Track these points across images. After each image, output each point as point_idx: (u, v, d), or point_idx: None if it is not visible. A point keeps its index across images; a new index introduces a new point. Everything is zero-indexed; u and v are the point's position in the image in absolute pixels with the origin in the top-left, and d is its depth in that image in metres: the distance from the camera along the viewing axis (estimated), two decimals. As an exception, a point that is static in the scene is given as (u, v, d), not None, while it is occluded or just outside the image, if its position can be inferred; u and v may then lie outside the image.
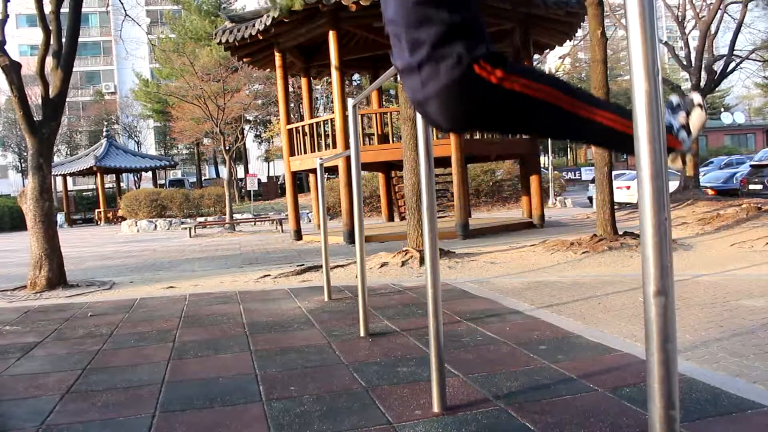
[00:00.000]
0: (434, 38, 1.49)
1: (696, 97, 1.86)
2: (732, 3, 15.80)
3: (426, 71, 1.53)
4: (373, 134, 14.69)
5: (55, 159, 30.25)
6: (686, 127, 1.81)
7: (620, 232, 7.72)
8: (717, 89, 27.49)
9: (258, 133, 40.88)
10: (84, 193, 35.04)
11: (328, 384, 2.80)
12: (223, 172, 38.07)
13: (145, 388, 2.87)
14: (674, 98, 1.93)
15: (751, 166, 15.95)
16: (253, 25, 10.96)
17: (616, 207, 8.29)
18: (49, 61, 6.98)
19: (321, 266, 5.50)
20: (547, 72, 1.70)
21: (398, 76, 1.66)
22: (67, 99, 7.50)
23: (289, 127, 12.44)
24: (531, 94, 1.53)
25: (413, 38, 1.52)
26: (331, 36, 10.61)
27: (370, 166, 13.94)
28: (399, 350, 3.34)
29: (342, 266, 6.91)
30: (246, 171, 37.47)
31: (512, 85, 1.52)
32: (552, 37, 13.04)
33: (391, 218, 15.36)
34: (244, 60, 13.32)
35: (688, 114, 1.82)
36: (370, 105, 18.76)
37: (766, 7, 16.13)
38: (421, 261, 6.71)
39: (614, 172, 8.97)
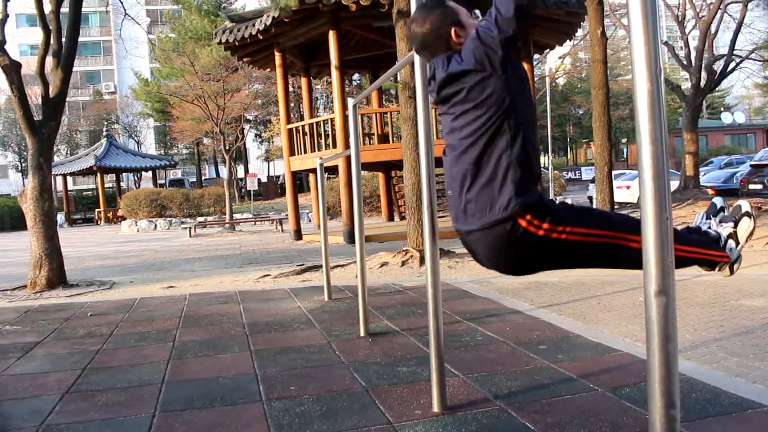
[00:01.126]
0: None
1: (744, 205, 1.80)
2: (732, 3, 15.80)
3: (471, 206, 1.61)
4: (373, 134, 14.69)
5: (55, 159, 30.22)
6: (734, 236, 1.77)
7: (620, 232, 7.71)
8: (717, 89, 27.51)
9: (258, 132, 40.87)
10: (84, 193, 35.06)
11: (328, 384, 2.79)
12: (223, 171, 38.06)
13: (145, 388, 2.87)
14: (718, 201, 1.88)
15: (751, 165, 15.96)
16: (253, 25, 10.95)
17: (616, 207, 8.29)
18: (49, 60, 6.98)
19: (321, 266, 5.50)
20: (591, 208, 1.70)
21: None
22: (67, 99, 7.50)
23: (289, 126, 12.44)
24: (578, 239, 1.55)
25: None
26: (331, 36, 10.60)
27: (370, 166, 13.94)
28: (399, 350, 3.34)
29: (342, 266, 6.90)
30: (246, 171, 37.45)
31: (559, 236, 1.54)
32: (552, 37, 13.03)
33: (391, 218, 15.36)
34: (244, 60, 13.32)
35: (735, 224, 1.78)
36: (370, 105, 18.76)
37: (767, 7, 16.12)
38: (421, 261, 6.71)
39: (614, 172, 8.97)
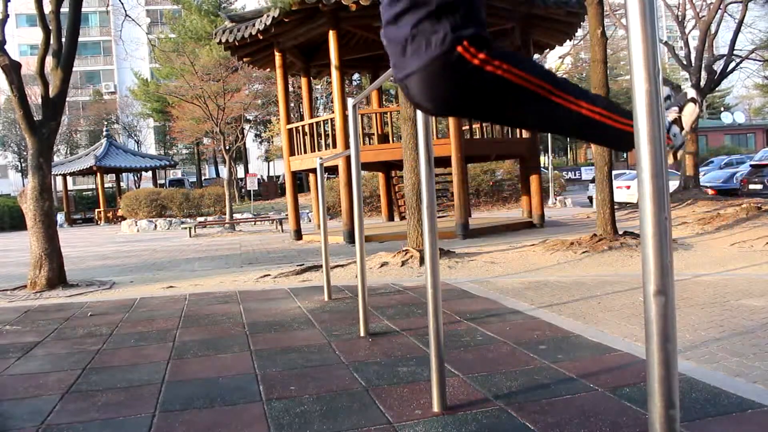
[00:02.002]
0: (423, 13, 1.46)
1: (690, 92, 1.82)
2: (732, 3, 15.79)
3: (410, 47, 1.50)
4: (373, 134, 14.69)
5: (55, 159, 30.23)
6: (678, 121, 1.79)
7: (620, 232, 7.72)
8: (717, 89, 27.50)
9: (258, 132, 40.87)
10: (84, 193, 35.06)
11: (328, 384, 2.80)
12: (223, 171, 38.06)
13: (145, 388, 2.87)
14: (665, 90, 1.89)
15: (751, 165, 15.96)
16: (253, 25, 10.96)
17: (616, 207, 8.29)
18: (49, 60, 6.98)
19: (321, 266, 5.50)
20: (535, 61, 1.65)
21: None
22: (67, 99, 7.50)
23: (289, 126, 12.44)
24: (512, 79, 1.49)
25: (402, 11, 1.49)
26: (331, 36, 10.61)
27: (370, 166, 13.94)
28: (399, 350, 3.34)
29: (342, 266, 6.90)
30: (246, 171, 37.47)
31: (494, 70, 1.49)
32: (552, 37, 13.04)
33: (391, 218, 15.36)
34: (244, 60, 13.32)
35: (681, 108, 1.80)
36: (370, 105, 18.76)
37: (764, 5, 16.11)
38: (421, 261, 6.71)
39: (614, 172, 8.97)
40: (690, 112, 1.78)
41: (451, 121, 10.42)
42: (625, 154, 43.38)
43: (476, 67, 1.48)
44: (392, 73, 1.64)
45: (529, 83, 1.51)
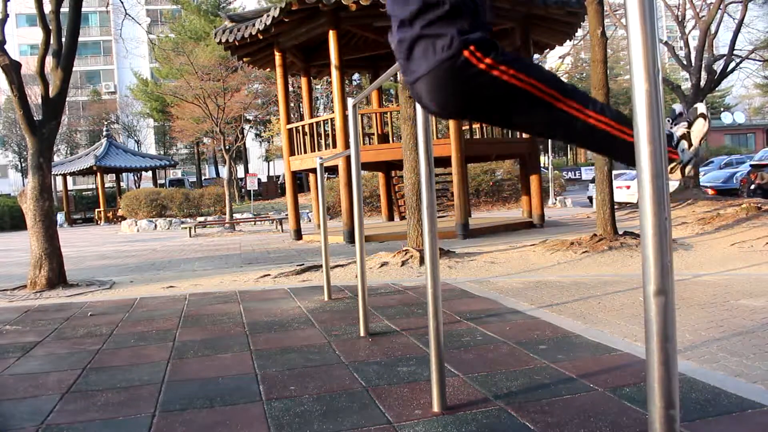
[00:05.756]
0: (434, 15, 1.47)
1: (700, 107, 1.81)
2: (732, 2, 15.79)
3: (418, 49, 1.51)
4: (373, 134, 14.69)
5: (55, 159, 30.22)
6: (687, 137, 1.78)
7: (620, 232, 7.72)
8: (717, 89, 27.49)
9: (258, 132, 40.88)
10: (84, 193, 35.03)
11: (328, 384, 2.80)
12: (223, 171, 38.05)
13: (145, 388, 2.87)
14: (678, 107, 1.88)
15: (751, 165, 15.95)
16: (253, 25, 10.96)
17: (616, 207, 8.29)
18: (49, 60, 6.98)
19: (321, 266, 5.50)
20: (542, 66, 1.65)
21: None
22: (67, 99, 7.50)
23: (289, 126, 12.44)
24: (518, 85, 1.50)
25: (413, 13, 1.49)
26: (331, 36, 10.61)
27: (370, 166, 13.95)
28: (399, 350, 3.34)
29: (342, 266, 6.91)
30: (246, 171, 37.47)
31: (500, 75, 1.49)
32: (552, 37, 13.05)
33: (391, 218, 15.36)
34: (244, 60, 13.32)
35: (690, 124, 1.79)
36: (370, 105, 18.76)
37: (763, 5, 16.10)
38: (421, 261, 6.71)
39: (614, 172, 8.97)
40: (699, 128, 1.77)
41: (451, 121, 10.42)
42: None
43: (482, 72, 1.49)
44: (392, 73, 1.64)
45: (535, 89, 1.52)
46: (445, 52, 1.48)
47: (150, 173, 31.72)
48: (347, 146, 10.23)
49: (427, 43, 1.50)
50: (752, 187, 14.14)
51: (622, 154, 1.64)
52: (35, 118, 6.86)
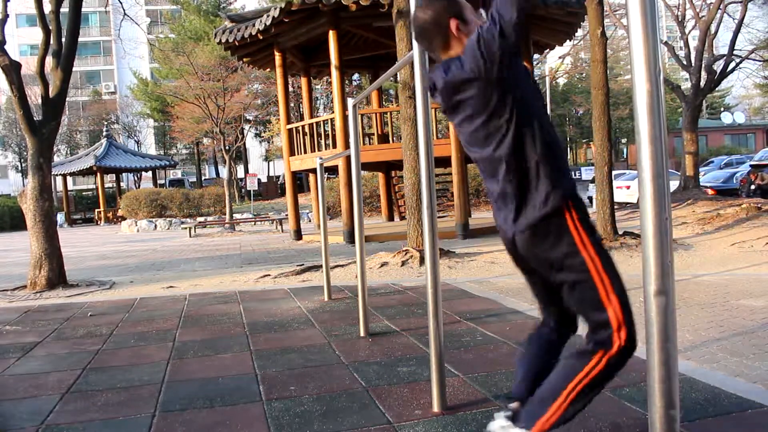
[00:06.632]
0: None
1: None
2: (732, 2, 15.80)
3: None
4: (373, 134, 14.69)
5: (55, 159, 30.24)
6: None
7: (620, 232, 7.72)
8: (717, 89, 27.50)
9: (258, 132, 40.86)
10: (84, 193, 35.02)
11: (328, 384, 2.80)
12: (223, 171, 38.03)
13: (145, 388, 2.87)
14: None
15: (751, 165, 15.94)
16: (253, 25, 10.95)
17: (616, 207, 8.28)
18: (49, 60, 6.98)
19: (321, 266, 5.50)
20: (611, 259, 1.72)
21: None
22: (67, 99, 7.50)
23: (289, 126, 12.44)
24: (584, 255, 1.59)
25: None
26: (331, 36, 10.60)
27: (370, 166, 13.94)
28: (399, 350, 3.34)
29: (342, 266, 6.90)
30: (246, 171, 37.45)
31: (578, 235, 1.59)
32: (552, 37, 13.04)
33: (391, 218, 15.36)
34: (244, 60, 13.32)
35: None
36: (370, 105, 18.77)
37: (763, 5, 16.10)
38: (421, 261, 6.71)
39: (614, 172, 8.97)
40: None
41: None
42: (625, 154, 43.35)
43: (567, 227, 1.59)
44: (392, 73, 1.65)
45: (592, 263, 1.61)
46: (542, 209, 1.61)
47: (150, 173, 31.70)
48: (347, 146, 10.23)
49: (523, 196, 1.65)
50: (752, 187, 14.15)
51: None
52: (35, 119, 6.86)
